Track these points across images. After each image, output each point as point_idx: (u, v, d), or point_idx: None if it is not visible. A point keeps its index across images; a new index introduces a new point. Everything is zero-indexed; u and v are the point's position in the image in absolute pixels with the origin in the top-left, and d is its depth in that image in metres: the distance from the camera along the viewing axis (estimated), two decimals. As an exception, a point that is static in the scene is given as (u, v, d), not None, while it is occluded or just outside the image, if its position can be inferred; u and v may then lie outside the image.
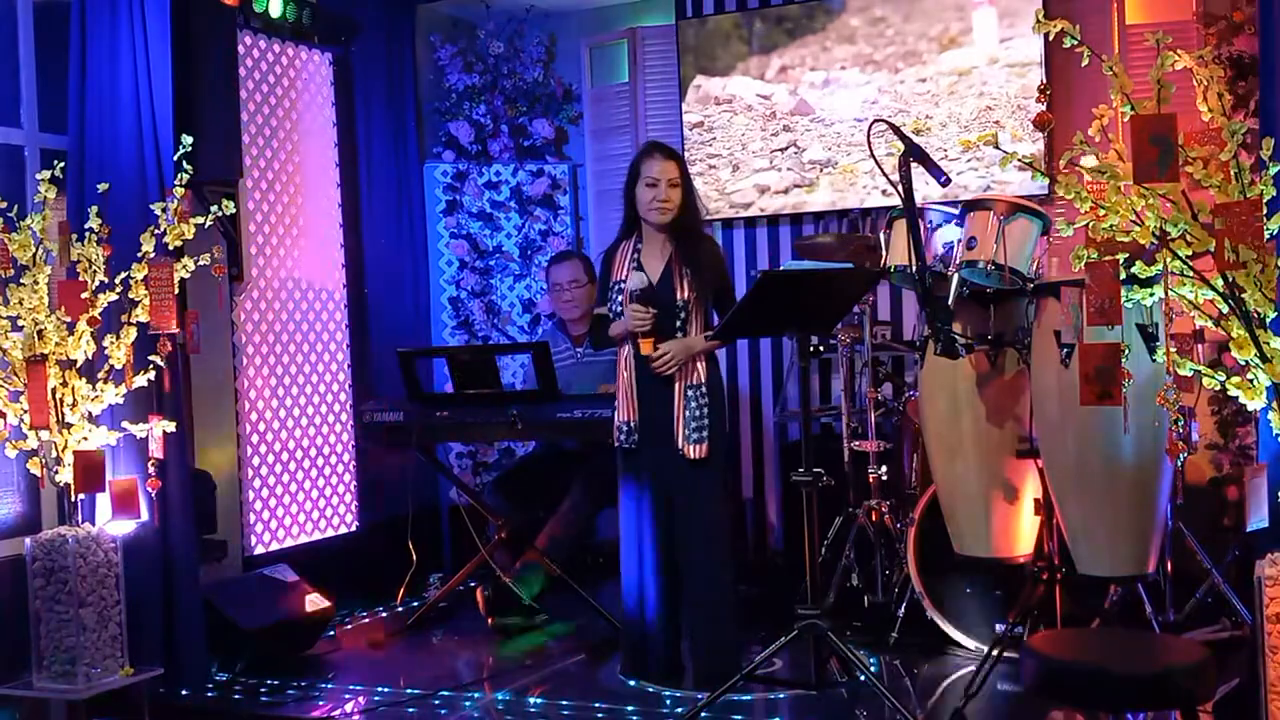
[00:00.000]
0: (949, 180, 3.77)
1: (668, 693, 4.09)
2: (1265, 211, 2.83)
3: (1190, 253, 2.96)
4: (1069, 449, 3.66)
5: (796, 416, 5.27)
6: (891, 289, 5.69)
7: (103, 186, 4.04)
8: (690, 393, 4.05)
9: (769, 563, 5.73)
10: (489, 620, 5.02)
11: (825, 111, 5.80)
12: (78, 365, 3.95)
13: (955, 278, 3.90)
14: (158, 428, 4.00)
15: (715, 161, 5.92)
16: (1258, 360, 2.89)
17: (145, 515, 4.06)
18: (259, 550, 5.11)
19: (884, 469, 4.73)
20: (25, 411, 3.85)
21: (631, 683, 4.20)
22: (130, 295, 3.98)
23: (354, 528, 5.65)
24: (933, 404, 4.12)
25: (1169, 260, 2.94)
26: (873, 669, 4.11)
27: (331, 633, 4.96)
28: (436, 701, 4.15)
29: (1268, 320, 2.89)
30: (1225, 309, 2.94)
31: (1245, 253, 2.77)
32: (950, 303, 3.87)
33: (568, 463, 5.22)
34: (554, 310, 5.66)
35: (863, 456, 4.76)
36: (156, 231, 4.02)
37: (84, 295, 3.91)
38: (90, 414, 3.96)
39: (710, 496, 4.12)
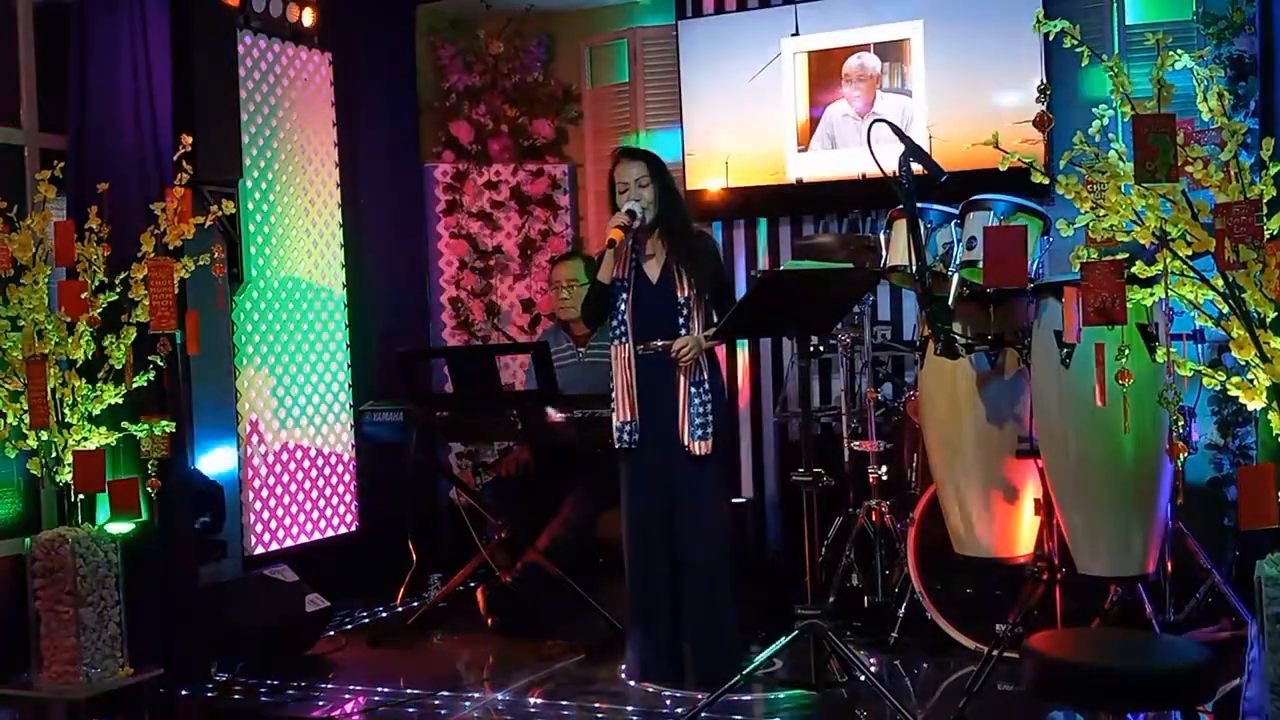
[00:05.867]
0: (948, 178, 3.77)
1: (668, 693, 4.09)
2: (1265, 211, 2.83)
3: (1190, 253, 2.96)
4: (1069, 449, 3.66)
5: (796, 416, 5.27)
6: (891, 289, 5.69)
7: (103, 186, 4.04)
8: (694, 390, 4.06)
9: (769, 563, 5.73)
10: (489, 620, 5.02)
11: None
12: (78, 365, 3.95)
13: (955, 278, 3.91)
14: (157, 428, 4.00)
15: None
16: (1258, 360, 2.89)
17: (145, 515, 4.06)
18: (259, 550, 5.10)
19: (884, 469, 4.73)
20: (25, 411, 3.86)
21: (632, 682, 4.20)
22: (130, 295, 3.98)
23: (354, 528, 5.64)
24: (933, 404, 4.12)
25: (1169, 260, 2.94)
26: (873, 669, 4.11)
27: (331, 633, 4.96)
28: (436, 701, 4.15)
29: (1268, 320, 2.89)
30: (1225, 309, 2.94)
31: (1245, 253, 2.77)
32: (950, 303, 3.87)
33: (568, 463, 5.21)
34: (552, 311, 5.66)
35: (863, 456, 4.76)
36: (156, 231, 4.02)
37: (84, 295, 3.91)
38: (90, 414, 3.96)
39: (712, 494, 4.13)
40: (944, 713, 3.79)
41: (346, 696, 4.24)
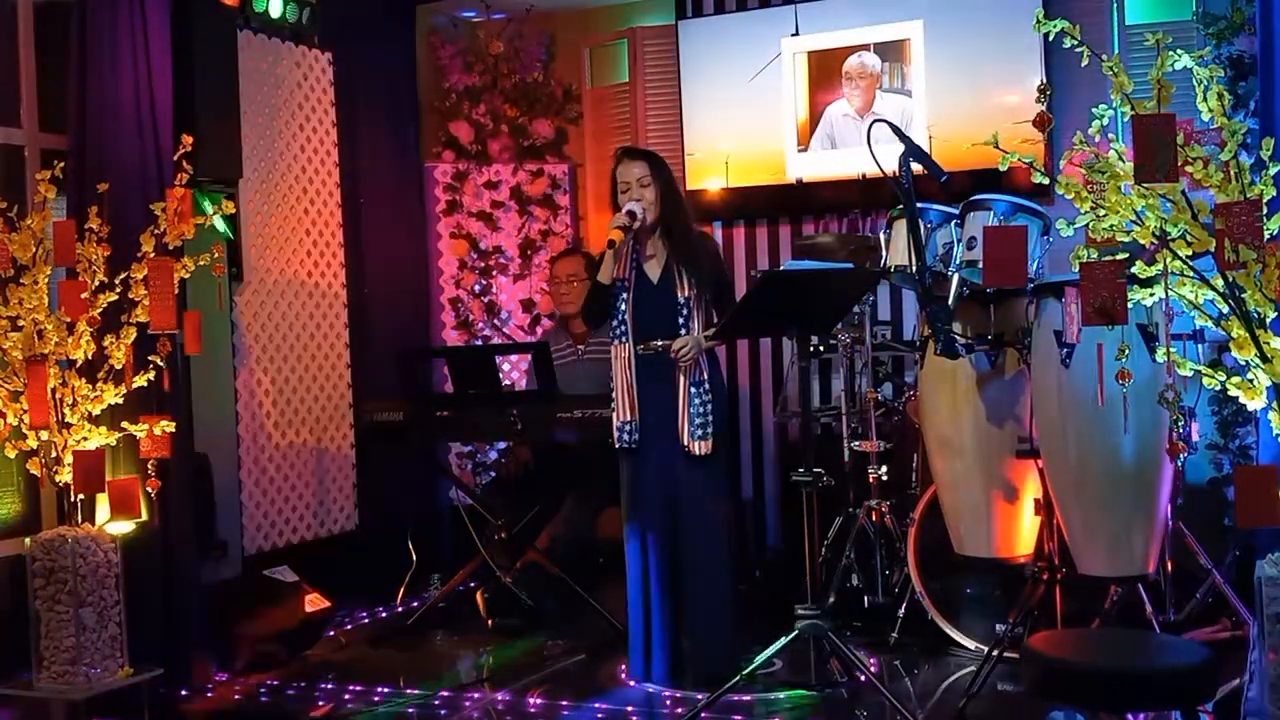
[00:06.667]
0: (948, 177, 3.77)
1: (668, 693, 4.09)
2: (1265, 211, 2.83)
3: (1190, 253, 2.96)
4: (1069, 449, 3.66)
5: (796, 416, 5.27)
6: (891, 289, 5.69)
7: (103, 186, 4.04)
8: (694, 389, 4.06)
9: (769, 563, 5.73)
10: (489, 621, 5.02)
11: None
12: (78, 365, 3.95)
13: (955, 278, 3.91)
14: (157, 428, 4.00)
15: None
16: (1258, 360, 2.89)
17: (145, 515, 4.06)
18: (259, 550, 5.10)
19: (884, 469, 4.73)
20: (25, 411, 3.85)
21: (632, 682, 4.20)
22: (130, 295, 3.98)
23: (354, 528, 5.64)
24: (933, 404, 4.12)
25: (1169, 260, 2.94)
26: (873, 669, 4.11)
27: (331, 633, 4.96)
28: (436, 701, 4.15)
29: (1268, 320, 2.89)
30: (1225, 309, 2.94)
31: (1245, 253, 2.77)
32: (950, 303, 3.88)
33: (567, 463, 5.21)
34: (554, 308, 5.66)
35: (863, 456, 4.76)
36: (156, 231, 4.02)
37: (84, 295, 3.91)
38: (90, 414, 3.96)
39: (712, 494, 4.13)
40: (944, 713, 3.79)
41: (346, 696, 4.24)
